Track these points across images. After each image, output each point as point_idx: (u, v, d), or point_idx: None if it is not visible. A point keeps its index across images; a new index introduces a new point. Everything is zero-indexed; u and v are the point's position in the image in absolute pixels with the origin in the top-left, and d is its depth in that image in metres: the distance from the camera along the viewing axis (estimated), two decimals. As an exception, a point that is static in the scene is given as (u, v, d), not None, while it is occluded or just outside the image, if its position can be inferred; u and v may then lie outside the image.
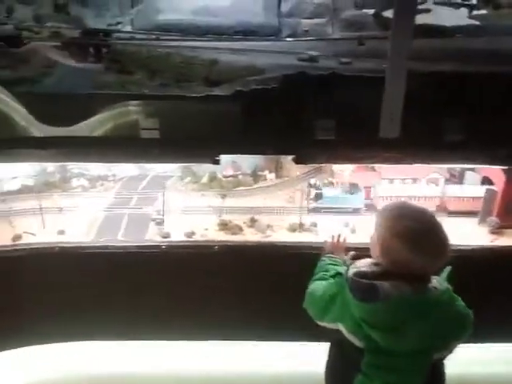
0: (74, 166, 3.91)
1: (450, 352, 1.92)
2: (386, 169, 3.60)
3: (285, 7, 3.35)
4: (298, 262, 3.07)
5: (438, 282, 1.85)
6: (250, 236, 3.35)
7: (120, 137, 2.82)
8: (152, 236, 3.38)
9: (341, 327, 1.89)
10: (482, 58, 2.83)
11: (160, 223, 3.42)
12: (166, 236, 3.35)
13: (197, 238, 3.37)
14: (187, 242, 3.33)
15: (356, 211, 3.47)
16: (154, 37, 3.15)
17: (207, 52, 3.00)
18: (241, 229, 3.38)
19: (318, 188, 3.58)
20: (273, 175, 3.96)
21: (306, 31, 3.21)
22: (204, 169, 3.99)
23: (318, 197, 3.53)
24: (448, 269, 1.91)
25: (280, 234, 3.34)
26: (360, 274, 1.80)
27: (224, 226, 3.41)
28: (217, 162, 2.87)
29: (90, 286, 3.15)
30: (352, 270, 1.84)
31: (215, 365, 3.31)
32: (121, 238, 3.36)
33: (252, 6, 3.39)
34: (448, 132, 2.72)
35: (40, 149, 2.79)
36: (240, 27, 3.28)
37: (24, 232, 3.34)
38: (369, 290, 1.75)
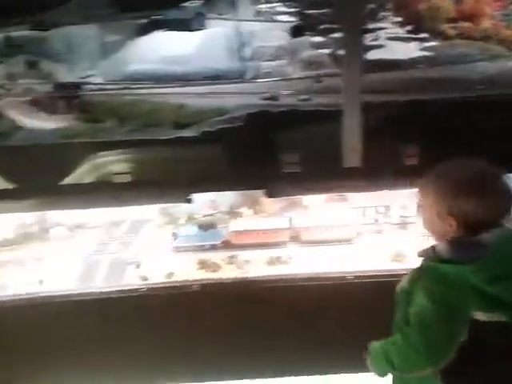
0: (53, 217, 3.95)
1: None
2: (357, 197, 3.71)
3: (247, 52, 3.53)
4: (276, 296, 3.14)
5: None
6: (229, 272, 3.39)
7: (94, 183, 2.91)
8: (132, 279, 3.40)
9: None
10: (438, 86, 3.01)
11: (138, 266, 3.46)
12: (145, 278, 3.38)
13: (176, 278, 3.40)
14: (166, 283, 3.36)
15: (213, 247, 3.53)
16: (123, 86, 3.30)
17: (175, 97, 3.14)
18: (219, 266, 3.43)
19: (176, 228, 3.62)
20: (251, 211, 4.03)
21: (268, 72, 3.38)
22: (181, 210, 4.06)
23: (175, 236, 3.57)
24: None
25: (260, 269, 3.39)
26: (455, 241, 1.51)
27: (203, 264, 3.46)
28: (189, 201, 2.95)
29: (73, 334, 3.15)
30: (440, 248, 1.52)
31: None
32: (101, 283, 3.38)
33: (215, 52, 3.57)
34: (407, 157, 2.86)
35: (15, 200, 2.87)
36: (205, 73, 3.45)
37: (2, 284, 3.35)
38: (475, 246, 1.46)
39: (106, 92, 3.21)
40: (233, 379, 3.34)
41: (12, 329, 3.18)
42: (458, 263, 1.43)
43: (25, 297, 3.29)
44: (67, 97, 3.09)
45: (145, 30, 3.76)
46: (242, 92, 3.12)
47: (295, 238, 3.51)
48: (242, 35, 3.58)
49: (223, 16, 4.40)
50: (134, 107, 3.02)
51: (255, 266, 3.47)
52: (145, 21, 3.83)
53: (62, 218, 4.02)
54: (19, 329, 3.20)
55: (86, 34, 3.65)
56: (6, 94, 3.19)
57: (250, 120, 2.77)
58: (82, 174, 2.95)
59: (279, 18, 4.21)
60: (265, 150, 2.86)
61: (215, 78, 3.37)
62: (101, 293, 3.29)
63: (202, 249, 3.56)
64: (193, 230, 3.64)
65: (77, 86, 3.23)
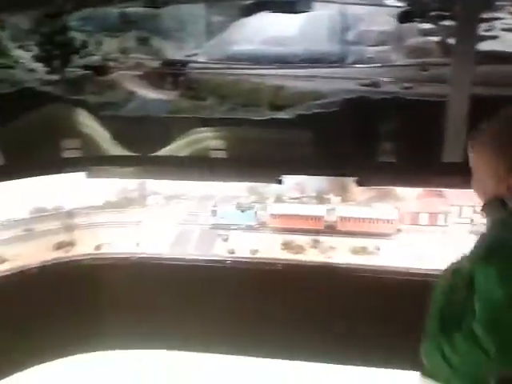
0: (151, 185, 4.19)
1: None
2: (454, 194, 3.54)
3: (350, 36, 3.47)
4: (356, 285, 3.11)
5: None
6: (313, 256, 3.41)
7: (191, 157, 3.05)
8: (219, 251, 3.54)
9: None
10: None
11: (226, 239, 3.58)
12: (232, 252, 3.50)
13: (260, 255, 3.49)
14: (252, 259, 3.46)
15: (249, 228, 3.45)
16: (225, 65, 3.41)
17: (274, 78, 3.19)
18: (303, 248, 3.45)
19: (214, 205, 3.61)
20: (338, 199, 3.99)
21: (370, 58, 3.31)
22: (270, 190, 4.12)
23: (214, 214, 3.55)
24: None
25: (342, 256, 3.37)
26: None
27: (287, 245, 3.51)
28: (279, 182, 3.00)
29: (162, 294, 3.36)
30: None
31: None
32: (191, 251, 3.55)
33: (318, 35, 3.55)
34: None
35: (121, 166, 3.08)
36: (306, 55, 3.45)
37: (104, 243, 3.63)
38: None
39: (209, 71, 3.32)
40: (300, 360, 3.38)
41: (108, 283, 3.46)
42: None
43: (122, 256, 3.55)
44: (174, 73, 3.24)
45: (251, 11, 3.83)
46: (341, 77, 3.09)
47: (331, 228, 3.45)
48: (347, 18, 3.53)
49: (329, -2, 4.36)
50: (234, 87, 3.11)
51: (339, 252, 3.46)
52: (251, 2, 3.89)
53: (159, 187, 4.26)
54: (114, 284, 3.47)
55: (194, 13, 3.78)
56: (119, 67, 3.41)
57: (348, 105, 2.75)
58: (181, 147, 3.10)
59: (387, 2, 4.10)
60: (360, 137, 2.82)
61: (316, 61, 3.36)
62: (190, 260, 3.46)
63: (238, 228, 3.56)
64: (231, 209, 3.71)
65: (183, 63, 3.38)
